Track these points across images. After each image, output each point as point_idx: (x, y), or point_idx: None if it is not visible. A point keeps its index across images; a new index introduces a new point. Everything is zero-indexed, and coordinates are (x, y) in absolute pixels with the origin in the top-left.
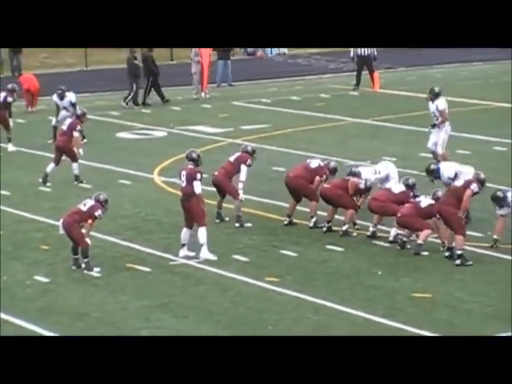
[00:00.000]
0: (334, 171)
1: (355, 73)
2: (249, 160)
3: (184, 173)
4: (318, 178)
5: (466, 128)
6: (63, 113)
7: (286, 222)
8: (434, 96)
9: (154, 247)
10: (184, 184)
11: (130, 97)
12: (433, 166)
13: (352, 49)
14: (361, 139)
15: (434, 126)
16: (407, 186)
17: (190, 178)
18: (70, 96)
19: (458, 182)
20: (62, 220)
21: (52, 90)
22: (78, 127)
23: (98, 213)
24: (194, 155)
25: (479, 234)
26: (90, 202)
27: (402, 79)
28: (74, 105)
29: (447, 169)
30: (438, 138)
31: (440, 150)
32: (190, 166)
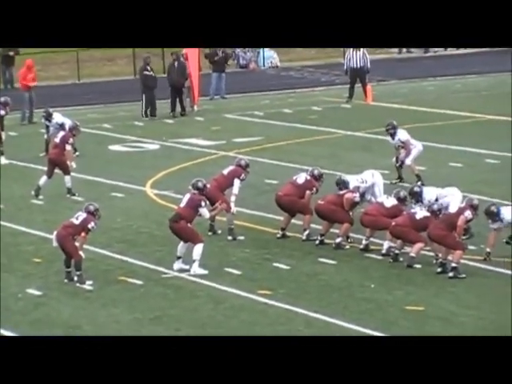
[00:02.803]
0: (319, 177)
1: (348, 85)
2: (242, 174)
3: (188, 196)
4: (308, 192)
5: (458, 140)
6: (53, 128)
7: (279, 235)
8: (394, 129)
9: (147, 260)
10: (182, 205)
11: (142, 109)
12: (416, 189)
13: (345, 61)
14: (353, 152)
15: (397, 159)
16: (399, 198)
17: (192, 203)
18: (57, 117)
19: (452, 209)
20: (55, 233)
21: (44, 102)
22: (71, 140)
23: (90, 225)
24: (200, 184)
25: (472, 247)
26: (82, 215)
27: (395, 92)
28: (61, 125)
29: (429, 192)
30: (410, 152)
31: (409, 162)
32: (195, 192)
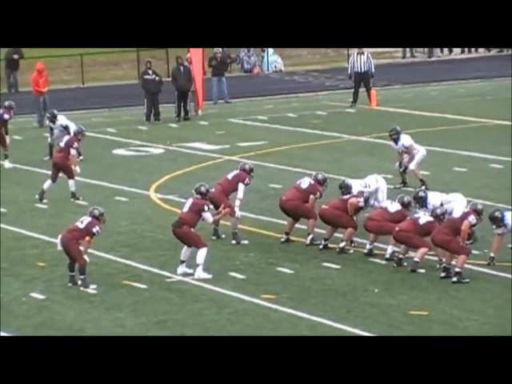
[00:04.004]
0: (323, 182)
1: (352, 90)
2: (247, 179)
3: (190, 200)
4: (311, 196)
5: (463, 145)
6: (57, 131)
7: (283, 240)
8: (397, 134)
9: (151, 264)
10: (185, 210)
11: (145, 112)
12: (421, 194)
13: (349, 66)
14: (357, 156)
15: (400, 164)
16: (403, 204)
17: (195, 208)
18: (61, 120)
19: (456, 214)
20: (60, 236)
21: (49, 106)
22: (75, 144)
23: (95, 229)
24: (203, 189)
25: (476, 252)
26: (87, 219)
27: (399, 97)
28: (66, 127)
29: (434, 197)
30: (414, 157)
31: (412, 167)
32: (198, 197)
